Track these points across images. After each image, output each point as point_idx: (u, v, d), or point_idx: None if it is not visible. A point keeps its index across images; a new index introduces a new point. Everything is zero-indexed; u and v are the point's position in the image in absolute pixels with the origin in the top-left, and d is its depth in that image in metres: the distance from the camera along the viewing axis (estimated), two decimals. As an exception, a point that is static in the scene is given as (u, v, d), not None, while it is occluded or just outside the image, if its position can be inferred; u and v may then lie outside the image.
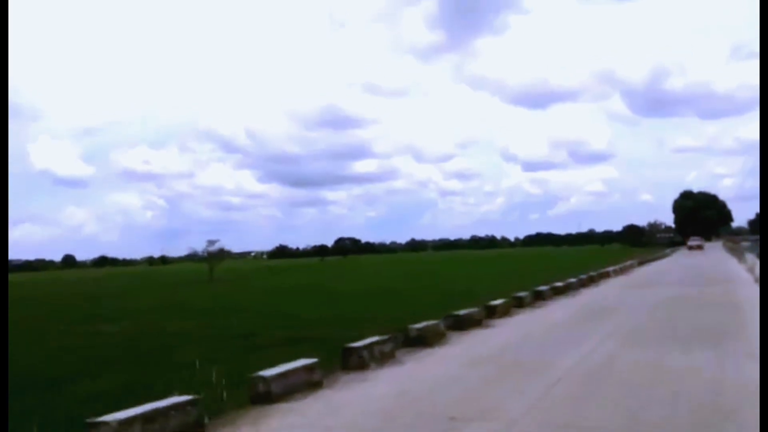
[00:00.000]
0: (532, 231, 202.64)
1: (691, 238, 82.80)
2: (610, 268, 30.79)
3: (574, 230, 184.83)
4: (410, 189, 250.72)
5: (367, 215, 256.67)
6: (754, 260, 32.79)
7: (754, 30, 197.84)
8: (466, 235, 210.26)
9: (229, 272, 53.94)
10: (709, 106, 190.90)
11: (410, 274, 39.14)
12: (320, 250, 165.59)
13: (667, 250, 67.27)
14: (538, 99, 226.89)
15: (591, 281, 25.62)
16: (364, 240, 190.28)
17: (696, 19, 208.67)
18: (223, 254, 55.92)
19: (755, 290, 18.83)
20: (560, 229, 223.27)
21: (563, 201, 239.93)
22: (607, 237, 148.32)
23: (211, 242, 54.17)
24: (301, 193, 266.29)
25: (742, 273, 27.42)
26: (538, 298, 18.69)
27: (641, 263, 41.03)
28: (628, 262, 37.45)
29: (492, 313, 15.04)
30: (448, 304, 15.15)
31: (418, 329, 11.40)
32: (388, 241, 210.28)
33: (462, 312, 13.45)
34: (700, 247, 71.27)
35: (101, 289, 38.97)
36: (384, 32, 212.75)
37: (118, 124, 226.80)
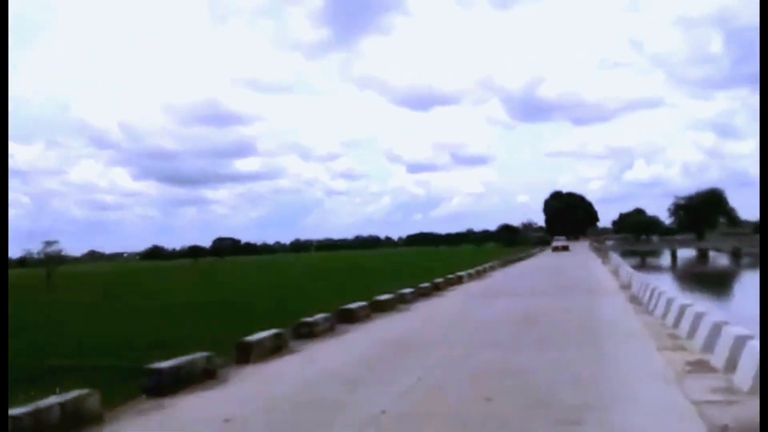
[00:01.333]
0: (415, 231, 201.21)
1: (555, 238, 72.77)
2: (465, 272, 26.56)
3: (454, 230, 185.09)
4: (296, 188, 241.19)
5: (250, 215, 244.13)
6: (618, 261, 30.13)
7: (620, 42, 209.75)
8: (351, 235, 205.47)
9: (81, 276, 46.19)
10: (580, 113, 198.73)
11: (258, 283, 33.27)
12: (194, 251, 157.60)
13: (535, 250, 65.75)
14: (421, 101, 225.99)
15: (436, 289, 21.11)
16: (245, 240, 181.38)
17: (569, 31, 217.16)
18: (60, 258, 48.45)
19: (623, 304, 14.82)
20: (441, 229, 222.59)
21: (445, 202, 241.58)
22: (485, 236, 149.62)
23: (48, 243, 46.33)
24: (179, 192, 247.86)
25: (607, 278, 24.07)
26: (347, 319, 13.61)
27: (505, 264, 37.66)
28: (489, 264, 33.78)
29: (245, 357, 9.66)
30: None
31: (28, 415, 5.77)
32: (271, 242, 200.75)
33: (165, 365, 7.89)
34: (565, 248, 63.00)
35: None
36: (268, 28, 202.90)
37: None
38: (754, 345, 6.58)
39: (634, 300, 15.43)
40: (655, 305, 12.90)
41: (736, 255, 69.37)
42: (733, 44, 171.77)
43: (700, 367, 7.66)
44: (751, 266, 57.79)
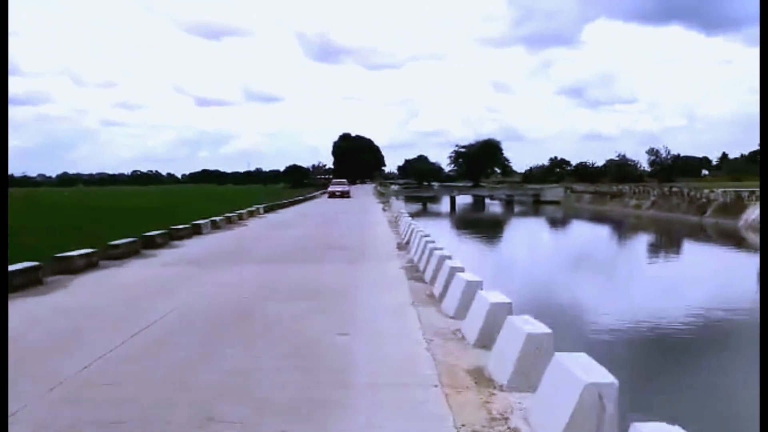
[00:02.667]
0: (201, 168, 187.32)
1: (334, 181, 59.43)
2: (208, 220, 20.16)
3: (243, 169, 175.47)
4: (65, 116, 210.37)
5: (10, 143, 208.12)
6: (400, 209, 26.09)
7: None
8: (129, 170, 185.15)
9: None
10: (373, 59, 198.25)
11: None
12: None
13: (317, 192, 61.12)
14: (213, 30, 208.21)
15: (148, 246, 14.66)
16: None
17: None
18: None
19: (397, 281, 9.77)
20: (229, 168, 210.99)
21: (234, 139, 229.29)
22: (274, 177, 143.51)
23: None
24: None
25: (384, 231, 19.47)
26: None
27: (271, 209, 31.87)
28: (252, 209, 27.76)
29: None
30: None
31: None
32: (34, 174, 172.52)
33: None
34: (345, 195, 51.06)
35: None
36: None
37: None
38: None
39: (413, 272, 10.57)
40: (444, 289, 8.00)
41: (509, 203, 71.91)
42: (513, 7, 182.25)
43: None
44: (522, 214, 59.76)
